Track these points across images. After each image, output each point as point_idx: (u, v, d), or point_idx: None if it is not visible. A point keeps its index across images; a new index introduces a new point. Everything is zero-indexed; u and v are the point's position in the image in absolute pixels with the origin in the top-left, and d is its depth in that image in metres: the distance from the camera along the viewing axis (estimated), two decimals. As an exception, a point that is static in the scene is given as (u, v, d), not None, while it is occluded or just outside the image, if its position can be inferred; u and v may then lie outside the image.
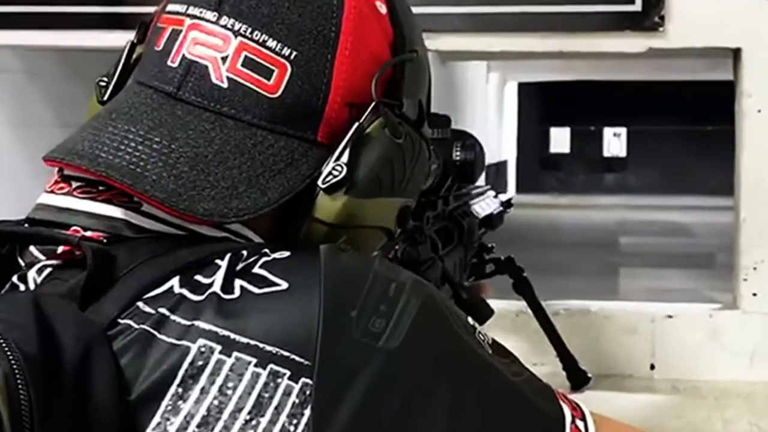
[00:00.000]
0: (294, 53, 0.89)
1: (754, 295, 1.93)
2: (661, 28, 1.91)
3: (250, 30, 0.89)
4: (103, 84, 0.97)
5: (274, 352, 0.76)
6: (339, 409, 0.76)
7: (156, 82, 0.90)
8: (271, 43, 0.89)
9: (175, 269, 0.80)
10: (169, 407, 0.75)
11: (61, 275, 0.82)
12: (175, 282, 0.79)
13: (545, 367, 1.90)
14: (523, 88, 19.22)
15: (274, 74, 0.88)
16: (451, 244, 1.58)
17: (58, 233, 0.85)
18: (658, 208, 15.42)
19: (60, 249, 0.83)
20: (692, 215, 13.66)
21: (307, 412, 0.75)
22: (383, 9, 0.96)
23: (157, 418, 0.75)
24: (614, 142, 19.33)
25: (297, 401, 0.76)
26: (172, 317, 0.77)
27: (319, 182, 0.88)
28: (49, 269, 0.83)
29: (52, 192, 0.89)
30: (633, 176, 18.47)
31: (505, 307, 1.98)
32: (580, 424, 0.87)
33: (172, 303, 0.78)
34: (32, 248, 0.86)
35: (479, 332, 0.87)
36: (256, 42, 0.89)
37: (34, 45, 2.05)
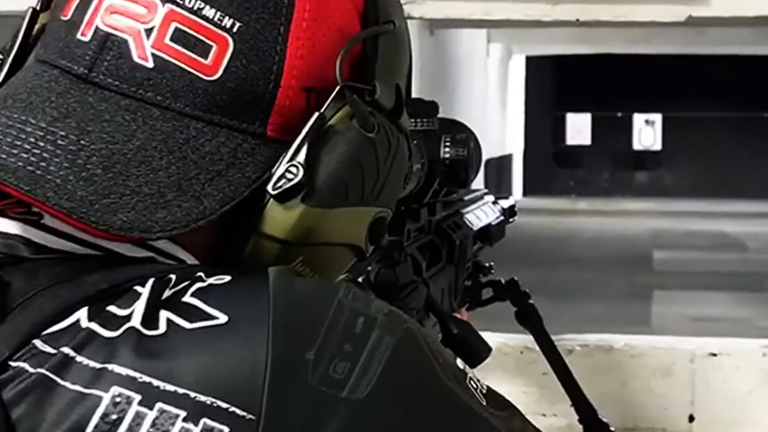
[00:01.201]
0: (237, 25, 0.88)
1: (820, 328, 1.93)
2: (703, -7, 1.92)
3: None
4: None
5: (208, 403, 0.76)
6: None
7: (62, 60, 0.89)
8: (209, 11, 0.87)
9: (83, 299, 0.79)
10: None
11: None
12: (82, 314, 0.78)
13: (557, 418, 1.90)
14: (532, 63, 19.29)
15: (212, 51, 0.87)
16: (438, 264, 1.57)
17: None
18: (700, 215, 15.50)
19: None
20: (744, 224, 13.75)
21: None
22: None
23: None
24: (646, 131, 19.38)
25: None
26: (79, 358, 0.77)
27: (269, 188, 0.87)
28: None
29: None
30: (670, 175, 18.54)
31: (507, 342, 1.97)
32: None
33: (79, 341, 0.77)
34: None
35: (471, 379, 0.87)
36: (189, 10, 0.87)
37: None
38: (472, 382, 0.86)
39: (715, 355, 1.97)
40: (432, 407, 0.82)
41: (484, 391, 0.87)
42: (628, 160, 19.18)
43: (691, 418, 1.96)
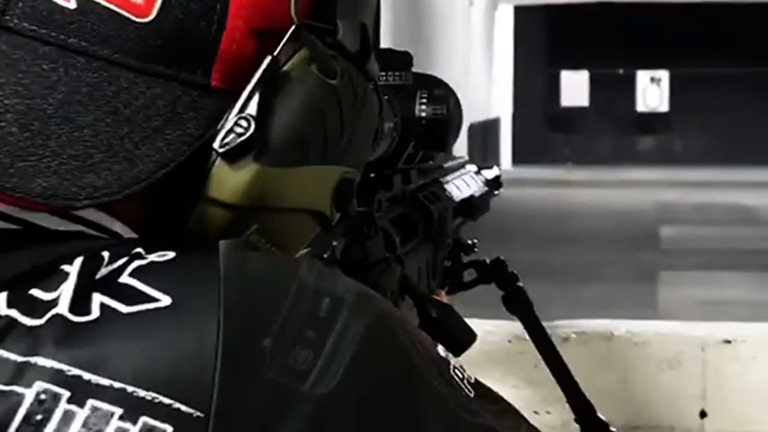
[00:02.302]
0: None
1: None
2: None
3: None
4: None
5: (148, 398, 0.75)
6: None
7: None
8: None
9: (1, 283, 0.79)
10: None
11: None
12: (0, 300, 0.78)
13: (551, 416, 1.91)
14: (521, 13, 19.30)
15: None
16: (414, 240, 1.56)
17: None
18: (712, 185, 15.57)
19: None
20: (763, 195, 13.80)
21: None
22: None
23: None
24: (652, 90, 19.41)
25: None
26: None
27: (215, 145, 0.86)
28: None
29: None
30: (679, 139, 18.59)
31: (493, 330, 1.97)
32: None
33: None
34: None
35: (455, 368, 0.87)
36: None
37: None
38: (456, 372, 0.86)
39: (729, 342, 1.98)
40: (408, 406, 0.81)
41: (472, 382, 0.87)
42: (631, 124, 19.24)
43: (703, 414, 1.97)
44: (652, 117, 19.30)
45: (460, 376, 0.87)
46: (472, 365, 1.97)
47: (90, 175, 0.83)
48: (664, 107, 19.17)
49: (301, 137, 0.90)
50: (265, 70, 0.87)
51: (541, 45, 19.26)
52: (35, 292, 0.78)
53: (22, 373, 0.75)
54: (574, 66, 19.40)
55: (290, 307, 0.78)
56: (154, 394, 0.75)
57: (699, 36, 17.25)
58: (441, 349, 0.90)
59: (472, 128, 16.65)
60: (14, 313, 0.77)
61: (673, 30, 17.28)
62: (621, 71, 19.28)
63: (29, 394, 0.75)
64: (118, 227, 0.86)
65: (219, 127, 0.86)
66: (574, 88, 19.84)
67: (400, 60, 1.50)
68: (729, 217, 12.78)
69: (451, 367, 0.86)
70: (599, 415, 1.89)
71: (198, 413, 0.75)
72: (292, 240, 0.92)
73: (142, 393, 0.75)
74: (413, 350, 0.85)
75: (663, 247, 12.04)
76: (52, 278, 0.79)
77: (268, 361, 0.76)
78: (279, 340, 0.76)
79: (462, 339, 1.47)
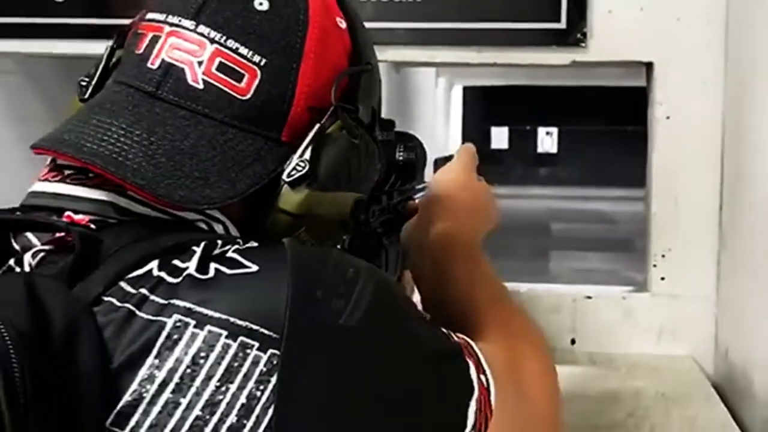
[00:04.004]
0: (264, 60, 0.89)
1: (662, 279, 1.94)
2: (583, 44, 1.92)
3: (224, 38, 0.89)
4: (84, 84, 0.96)
5: (243, 325, 0.76)
6: (305, 378, 0.76)
7: (137, 81, 0.90)
8: (243, 50, 0.89)
9: (155, 252, 0.80)
10: (146, 376, 0.75)
11: (54, 258, 0.82)
12: (154, 265, 0.79)
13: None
14: (467, 91, 19.28)
15: (245, 78, 0.88)
16: (393, 236, 1.56)
17: (49, 220, 0.85)
18: (584, 198, 15.51)
19: (54, 235, 0.83)
20: (614, 204, 13.77)
21: (274, 379, 0.75)
22: (343, 24, 0.96)
23: (134, 386, 0.75)
24: (547, 139, 19.42)
25: (264, 369, 0.75)
26: (152, 297, 0.77)
27: (284, 176, 0.88)
28: (42, 254, 0.82)
29: (46, 180, 0.89)
30: (563, 170, 18.58)
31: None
32: (482, 378, 0.89)
33: (152, 284, 0.78)
34: (28, 234, 0.85)
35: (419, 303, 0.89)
36: (230, 49, 0.89)
37: (29, 52, 2.04)
38: (420, 310, 0.92)
39: (589, 297, 1.98)
40: (402, 332, 0.84)
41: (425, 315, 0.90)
42: (534, 160, 19.16)
43: (573, 341, 1.97)
44: (547, 156, 19.19)
45: (423, 311, 0.90)
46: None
47: (208, 189, 0.84)
48: (555, 150, 19.07)
49: (336, 174, 0.92)
50: (315, 132, 0.89)
51: (479, 110, 19.14)
52: (176, 261, 0.80)
53: (165, 309, 0.76)
54: (500, 123, 19.28)
55: (330, 273, 0.80)
56: (247, 323, 0.76)
57: (578, 106, 17.18)
58: (414, 298, 0.91)
59: (437, 161, 16.60)
60: (163, 274, 0.79)
61: (561, 102, 17.21)
62: (528, 127, 19.17)
63: (170, 322, 0.75)
64: (225, 219, 0.88)
65: (286, 165, 0.88)
66: (499, 137, 19.75)
67: (388, 124, 1.50)
68: (593, 217, 12.74)
69: (420, 309, 0.91)
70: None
71: (274, 335, 0.76)
72: (327, 236, 0.92)
73: (240, 322, 0.76)
74: (400, 300, 0.86)
75: (553, 236, 11.98)
76: (187, 254, 0.79)
77: (319, 304, 0.77)
78: (325, 293, 0.78)
79: None
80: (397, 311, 0.85)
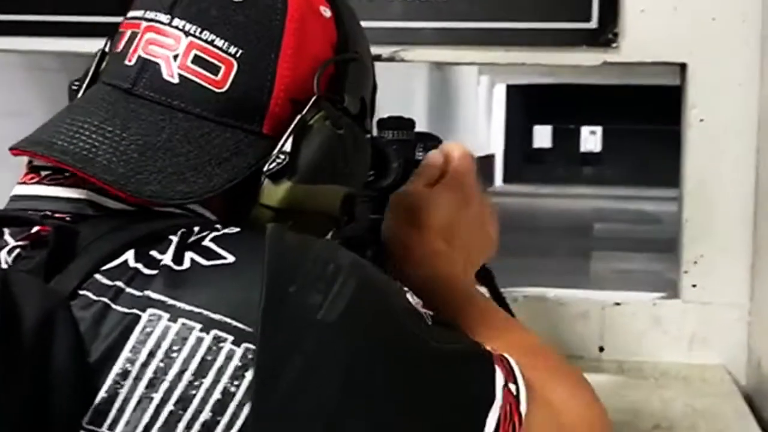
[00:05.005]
0: (240, 51, 0.87)
1: (694, 286, 1.89)
2: (614, 44, 1.87)
3: (199, 30, 0.87)
4: (75, 87, 0.95)
5: (217, 319, 0.74)
6: (281, 373, 0.74)
7: (115, 79, 0.89)
8: (219, 42, 0.87)
9: (130, 242, 0.79)
10: (120, 371, 0.74)
11: (31, 254, 0.80)
12: (129, 256, 0.78)
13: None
14: (510, 89, 19.22)
15: (221, 70, 0.86)
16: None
17: (22, 215, 0.84)
18: (628, 198, 15.38)
19: (31, 231, 0.82)
20: (658, 205, 13.64)
21: (249, 374, 0.74)
22: (327, 13, 0.94)
23: (109, 381, 0.74)
24: (590, 139, 19.32)
25: (239, 364, 0.74)
26: (127, 289, 0.76)
27: (264, 169, 0.86)
28: (18, 250, 0.81)
29: (24, 183, 0.88)
30: (607, 169, 18.44)
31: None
32: (512, 386, 0.85)
33: (128, 276, 0.77)
34: (5, 233, 0.84)
35: (418, 307, 0.85)
36: (205, 41, 0.87)
37: (76, 51, 2.03)
38: (419, 309, 0.85)
39: (618, 304, 1.93)
40: (385, 331, 0.80)
41: (431, 314, 0.85)
42: (577, 159, 19.06)
43: (601, 349, 1.93)
44: (590, 155, 19.08)
45: (424, 311, 0.85)
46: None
47: (182, 185, 0.82)
48: (598, 149, 18.96)
49: (318, 166, 0.89)
50: (296, 124, 0.87)
51: (521, 108, 19.07)
52: (153, 252, 0.78)
53: (139, 302, 0.75)
54: (543, 122, 19.21)
55: (308, 268, 0.77)
56: (220, 316, 0.74)
57: (622, 104, 17.06)
58: (410, 296, 0.86)
59: (479, 159, 16.56)
60: (139, 266, 0.77)
61: (605, 100, 17.11)
62: (571, 126, 19.07)
63: (144, 316, 0.74)
64: (207, 213, 0.86)
65: (267, 158, 0.85)
66: (542, 136, 19.67)
67: (407, 124, 1.47)
68: (637, 218, 12.63)
69: (415, 307, 0.85)
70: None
71: (248, 328, 0.74)
72: (314, 232, 0.89)
73: (213, 315, 0.75)
74: (391, 298, 0.83)
75: (596, 236, 11.90)
76: (163, 244, 0.79)
77: (292, 299, 0.74)
78: (300, 287, 0.75)
79: None
80: (382, 308, 0.81)
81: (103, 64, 0.94)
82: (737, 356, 1.87)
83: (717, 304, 1.88)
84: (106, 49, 0.95)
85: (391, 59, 1.95)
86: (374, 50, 1.92)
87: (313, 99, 0.88)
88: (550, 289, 2.00)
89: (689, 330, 1.90)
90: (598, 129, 18.58)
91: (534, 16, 1.89)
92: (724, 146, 1.86)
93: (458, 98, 15.21)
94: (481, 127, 17.20)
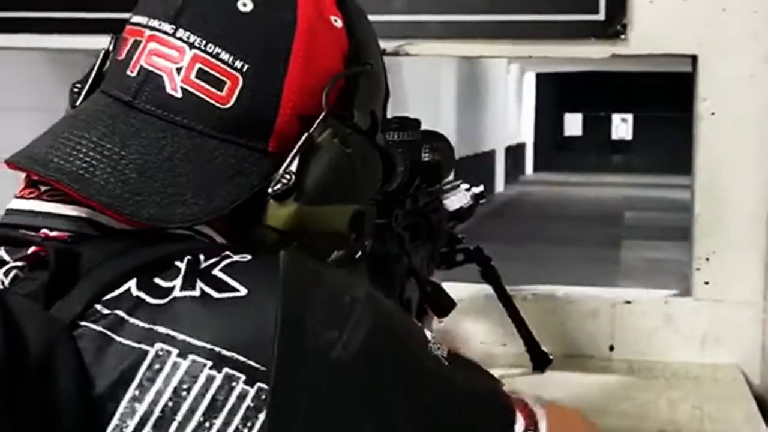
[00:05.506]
0: (246, 66, 0.83)
1: (706, 283, 1.84)
2: (623, 36, 1.82)
3: (204, 42, 0.83)
4: (76, 90, 0.91)
5: (229, 356, 0.71)
6: (295, 415, 0.71)
7: (115, 90, 0.85)
8: (224, 55, 0.83)
9: (134, 268, 0.76)
10: (127, 409, 0.71)
11: (30, 275, 0.77)
12: (132, 284, 0.75)
13: (514, 347, 1.83)
14: (540, 78, 19.14)
15: (226, 86, 0.83)
16: (419, 239, 1.49)
17: (22, 235, 0.81)
18: (659, 186, 15.27)
19: (29, 250, 0.79)
20: (688, 193, 13.52)
21: (262, 416, 0.71)
22: (339, 23, 0.89)
23: (115, 420, 0.71)
24: (622, 126, 19.20)
25: (252, 405, 0.71)
26: (131, 320, 0.73)
27: (269, 189, 0.82)
28: (15, 271, 0.78)
29: (21, 197, 0.85)
30: (638, 157, 18.30)
31: (478, 290, 1.89)
32: None
33: (130, 306, 0.74)
34: (1, 251, 0.81)
35: (434, 344, 0.82)
36: (210, 54, 0.83)
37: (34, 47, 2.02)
38: (433, 347, 0.81)
39: (629, 302, 1.89)
40: (402, 371, 0.77)
41: (445, 355, 0.81)
42: (608, 147, 18.95)
43: (611, 348, 1.89)
44: (621, 143, 18.97)
45: (438, 352, 0.82)
46: (464, 313, 1.88)
47: (182, 206, 0.79)
48: (629, 137, 18.83)
49: (325, 186, 0.85)
50: (303, 142, 0.83)
51: (552, 97, 18.99)
52: (157, 280, 0.75)
53: (147, 336, 0.72)
54: (573, 110, 19.10)
55: (323, 301, 0.74)
56: (233, 353, 0.72)
57: (653, 91, 16.93)
58: (427, 333, 0.83)
59: (509, 149, 16.51)
60: (142, 294, 0.74)
61: (636, 88, 16.99)
62: (602, 114, 18.96)
63: (152, 351, 0.72)
64: (212, 233, 0.82)
65: (272, 178, 0.82)
66: (573, 124, 19.56)
67: (412, 124, 1.44)
68: (667, 206, 12.53)
69: (430, 345, 0.81)
70: (543, 348, 1.82)
71: (262, 367, 0.71)
72: (323, 252, 0.87)
73: (225, 352, 0.72)
74: (406, 335, 0.79)
75: (626, 224, 11.83)
76: (169, 271, 0.75)
77: (308, 336, 0.72)
78: (316, 324, 0.72)
79: (445, 306, 1.40)
80: (398, 346, 0.77)
81: (106, 65, 0.91)
82: (751, 355, 1.82)
83: (730, 301, 1.83)
84: (110, 49, 0.91)
85: (395, 54, 1.91)
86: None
87: (321, 116, 0.85)
88: (559, 286, 1.96)
89: (701, 328, 1.85)
90: (630, 116, 18.46)
91: (541, 8, 1.85)
92: (735, 140, 1.81)
93: (488, 88, 15.15)
94: (511, 116, 17.12)
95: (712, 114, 1.82)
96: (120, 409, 0.70)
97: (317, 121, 0.84)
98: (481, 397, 0.81)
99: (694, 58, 1.83)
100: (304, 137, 0.83)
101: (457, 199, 1.72)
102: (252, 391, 0.70)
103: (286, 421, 0.70)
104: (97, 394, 0.70)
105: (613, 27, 1.83)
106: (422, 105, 10.00)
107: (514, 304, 1.81)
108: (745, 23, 1.79)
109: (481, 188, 1.86)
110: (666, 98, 16.97)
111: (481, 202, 1.84)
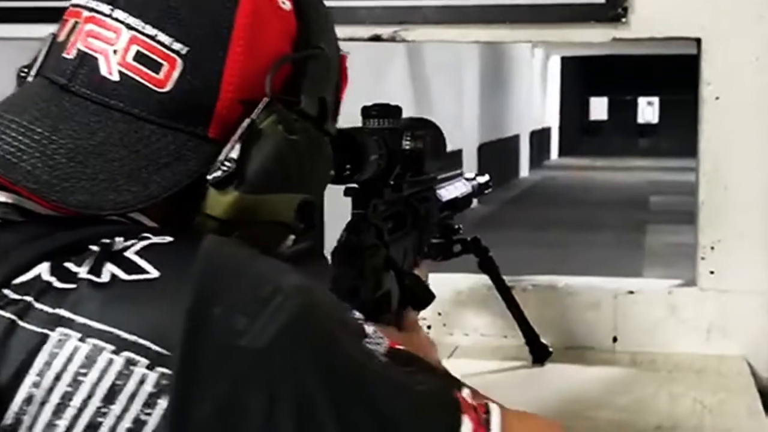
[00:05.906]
0: (185, 49, 0.80)
1: (711, 273, 1.79)
2: (624, 19, 1.77)
3: (142, 24, 0.80)
4: (23, 75, 0.88)
5: (132, 340, 0.68)
6: (199, 403, 0.67)
7: (52, 73, 0.82)
8: (163, 37, 0.79)
9: (47, 252, 0.73)
10: (26, 396, 0.68)
11: None
12: (43, 269, 0.72)
13: (515, 339, 1.79)
14: (565, 61, 19.02)
15: (164, 69, 0.79)
16: (403, 230, 1.44)
17: None
18: (685, 170, 15.13)
19: None
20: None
21: (162, 401, 0.67)
22: (287, 5, 0.85)
23: (14, 407, 0.68)
24: (648, 110, 19.05)
25: (153, 390, 0.68)
26: (37, 305, 0.71)
27: (209, 177, 0.79)
28: None
29: None
30: (664, 141, 18.15)
31: (479, 281, 1.85)
32: None
33: (38, 290, 0.71)
34: None
35: (371, 340, 0.78)
36: (148, 36, 0.79)
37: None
38: (370, 342, 0.77)
39: (632, 292, 1.84)
40: (322, 359, 0.72)
41: (383, 351, 0.78)
42: (634, 131, 18.80)
43: (615, 339, 1.84)
44: (647, 126, 18.83)
45: (376, 346, 0.78)
46: (465, 304, 1.83)
47: (114, 193, 0.76)
48: (655, 120, 18.68)
49: (268, 174, 0.82)
50: (245, 128, 0.80)
51: (577, 80, 18.86)
52: (68, 264, 0.73)
53: (50, 320, 0.70)
54: (598, 94, 18.97)
55: (240, 288, 0.71)
56: (135, 337, 0.69)
57: (679, 75, 16.79)
58: (368, 328, 0.79)
59: (533, 133, 16.43)
60: (52, 279, 0.72)
61: (662, 70, 16.84)
62: (628, 97, 18.81)
63: (53, 336, 0.70)
64: (146, 220, 0.81)
65: (212, 165, 0.79)
66: (598, 107, 19.43)
67: (393, 111, 1.38)
68: (692, 190, 12.41)
69: (366, 340, 0.78)
70: (542, 340, 1.77)
71: (165, 351, 0.69)
72: (267, 242, 0.83)
73: (126, 335, 0.69)
74: (334, 327, 0.76)
75: (651, 209, 11.73)
76: (83, 255, 0.73)
77: (215, 322, 0.69)
78: (227, 310, 0.69)
79: (424, 298, 1.34)
80: (321, 338, 0.73)
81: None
82: (758, 346, 1.77)
83: (736, 291, 1.78)
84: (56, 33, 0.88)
85: (391, 39, 1.87)
86: (374, 30, 1.88)
87: (264, 101, 0.81)
88: (560, 277, 1.91)
89: (707, 319, 1.80)
90: (655, 100, 18.30)
91: (539, -9, 1.80)
92: (740, 124, 1.76)
93: (512, 72, 15.05)
94: (536, 101, 17.03)
95: (717, 98, 1.77)
96: (19, 396, 0.68)
97: (260, 106, 0.81)
98: (419, 394, 0.75)
99: (698, 42, 1.78)
100: (246, 123, 0.79)
101: (454, 188, 1.67)
102: (153, 376, 0.68)
103: (189, 407, 0.67)
104: (1, 382, 0.68)
105: (614, 10, 1.77)
106: (445, 90, 9.95)
107: (513, 295, 1.77)
108: (750, 5, 1.73)
109: (486, 177, 1.81)
110: (693, 81, 16.84)
111: (486, 192, 1.79)
